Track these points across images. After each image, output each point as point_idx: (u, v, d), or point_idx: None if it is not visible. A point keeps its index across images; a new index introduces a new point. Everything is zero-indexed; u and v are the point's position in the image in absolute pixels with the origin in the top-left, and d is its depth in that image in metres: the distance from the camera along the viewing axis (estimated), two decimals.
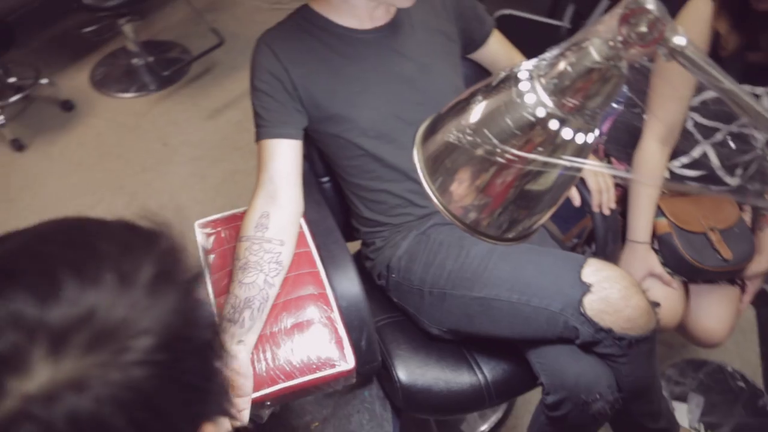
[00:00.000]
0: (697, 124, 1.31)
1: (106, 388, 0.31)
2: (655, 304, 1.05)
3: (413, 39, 1.18)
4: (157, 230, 0.38)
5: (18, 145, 2.57)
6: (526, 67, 0.54)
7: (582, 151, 0.54)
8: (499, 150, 0.54)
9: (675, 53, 0.47)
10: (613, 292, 1.00)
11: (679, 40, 0.47)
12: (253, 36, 1.17)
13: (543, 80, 0.52)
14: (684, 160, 1.36)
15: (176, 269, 0.37)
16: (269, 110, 1.13)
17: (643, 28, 0.46)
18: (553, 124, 0.51)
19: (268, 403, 0.98)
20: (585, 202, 1.31)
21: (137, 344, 0.32)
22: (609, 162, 1.52)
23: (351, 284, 1.12)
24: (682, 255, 1.32)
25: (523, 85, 0.53)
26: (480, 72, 1.39)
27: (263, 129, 1.13)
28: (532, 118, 0.52)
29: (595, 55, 0.49)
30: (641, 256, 1.33)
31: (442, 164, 0.62)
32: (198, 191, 2.37)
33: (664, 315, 1.34)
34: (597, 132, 0.54)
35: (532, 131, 0.52)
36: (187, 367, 0.36)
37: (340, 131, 1.17)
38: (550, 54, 0.54)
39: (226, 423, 0.43)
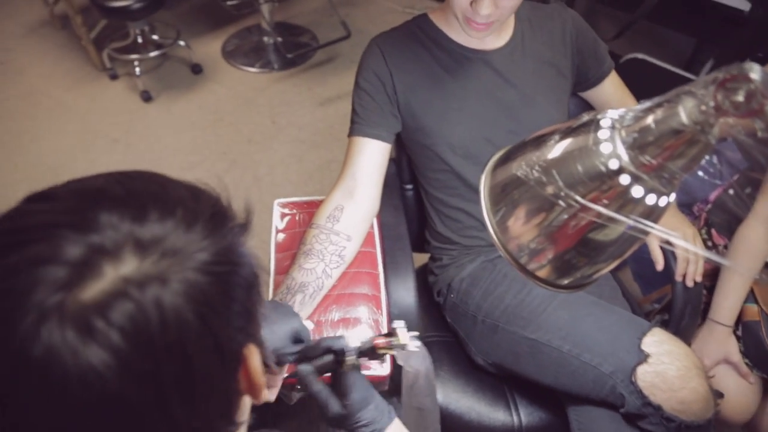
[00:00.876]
0: None
1: (181, 285, 0.39)
2: (718, 394, 0.97)
3: (522, 67, 1.16)
4: (216, 191, 0.48)
5: (146, 96, 2.80)
6: (611, 115, 0.52)
7: (652, 213, 0.51)
8: (563, 194, 0.52)
9: None
10: (672, 369, 0.93)
11: None
12: None
13: (624, 132, 0.50)
14: None
15: (227, 217, 0.46)
16: (366, 109, 1.15)
17: (740, 98, 0.43)
18: (624, 179, 0.49)
19: (299, 386, 1.00)
20: (669, 268, 1.23)
21: (198, 257, 0.41)
22: (709, 233, 1.42)
23: (407, 294, 1.11)
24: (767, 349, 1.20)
25: (602, 133, 0.51)
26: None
27: (356, 126, 1.16)
28: (603, 169, 0.49)
29: (683, 117, 0.46)
30: (720, 339, 1.23)
31: (507, 196, 0.61)
32: (293, 172, 2.46)
33: (733, 408, 1.23)
34: (672, 196, 0.51)
35: (601, 182, 0.50)
36: (236, 286, 0.44)
37: (430, 143, 1.17)
38: (640, 106, 0.51)
39: (258, 362, 0.49)
